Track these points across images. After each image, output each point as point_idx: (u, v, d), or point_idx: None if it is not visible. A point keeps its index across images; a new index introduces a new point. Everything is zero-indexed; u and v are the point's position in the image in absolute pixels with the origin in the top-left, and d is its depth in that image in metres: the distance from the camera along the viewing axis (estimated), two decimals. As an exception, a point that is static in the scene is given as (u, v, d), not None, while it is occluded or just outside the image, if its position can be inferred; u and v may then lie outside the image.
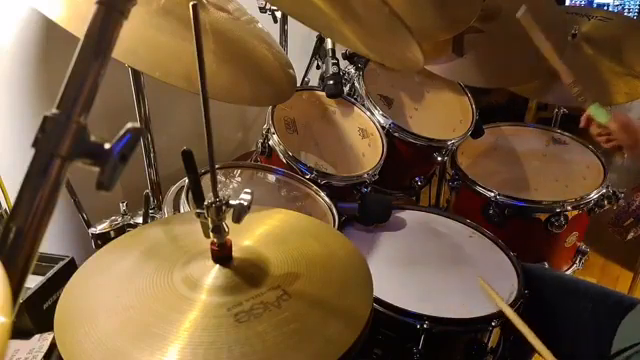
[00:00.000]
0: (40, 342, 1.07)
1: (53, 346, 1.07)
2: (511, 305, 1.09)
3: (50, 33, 1.36)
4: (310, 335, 0.65)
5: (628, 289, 1.77)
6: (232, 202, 0.68)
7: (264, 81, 1.15)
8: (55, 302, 0.79)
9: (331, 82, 1.42)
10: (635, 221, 1.83)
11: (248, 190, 0.69)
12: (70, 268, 1.19)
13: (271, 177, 1.36)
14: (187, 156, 0.66)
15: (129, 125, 0.45)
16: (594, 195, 1.52)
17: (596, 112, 1.29)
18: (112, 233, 1.28)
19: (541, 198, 1.54)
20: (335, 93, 1.43)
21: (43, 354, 1.05)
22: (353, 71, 1.65)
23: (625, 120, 1.22)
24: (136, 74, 1.17)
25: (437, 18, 1.52)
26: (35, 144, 0.41)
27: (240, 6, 1.22)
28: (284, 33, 1.78)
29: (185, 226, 0.85)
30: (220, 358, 0.60)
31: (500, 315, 1.06)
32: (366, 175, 1.41)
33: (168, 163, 1.33)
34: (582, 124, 1.36)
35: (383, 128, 1.54)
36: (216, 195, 0.67)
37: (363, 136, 1.57)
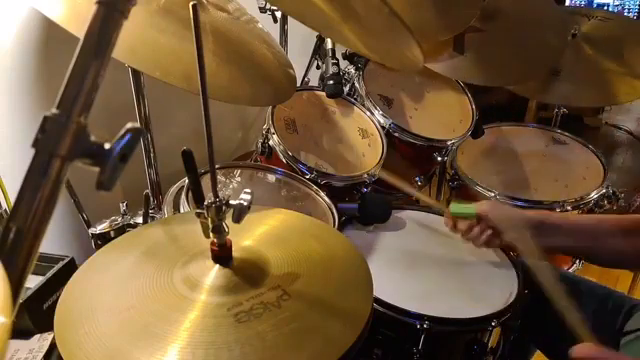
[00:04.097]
0: (40, 342, 1.07)
1: (53, 346, 1.06)
2: (511, 305, 1.09)
3: (50, 33, 1.36)
4: (310, 335, 0.65)
5: (628, 289, 1.77)
6: (232, 202, 0.68)
7: (264, 81, 1.15)
8: (55, 302, 0.79)
9: (331, 82, 1.42)
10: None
11: (248, 190, 0.69)
12: (70, 268, 1.19)
13: (271, 177, 1.36)
14: (187, 156, 0.66)
15: (129, 125, 0.45)
16: (594, 195, 1.52)
17: (458, 209, 1.14)
18: (112, 233, 1.27)
19: (541, 198, 1.54)
20: (335, 93, 1.43)
21: (43, 354, 1.05)
22: (353, 71, 1.65)
23: (489, 202, 1.09)
24: (136, 74, 1.17)
25: (437, 18, 1.52)
26: (35, 144, 0.41)
27: (240, 6, 1.22)
28: (284, 33, 1.78)
29: (185, 226, 0.85)
30: (220, 358, 0.60)
31: (500, 315, 1.06)
32: (366, 175, 1.41)
33: (168, 163, 1.33)
34: (448, 225, 1.20)
35: (383, 128, 1.54)
36: (216, 195, 0.67)
37: (363, 136, 1.57)
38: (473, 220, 1.15)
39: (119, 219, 1.29)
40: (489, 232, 1.13)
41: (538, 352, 1.37)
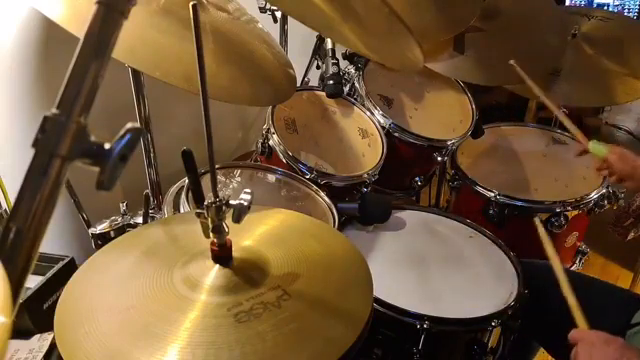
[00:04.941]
0: (40, 342, 1.07)
1: (53, 346, 1.06)
2: (511, 305, 1.09)
3: (50, 33, 1.35)
4: (310, 335, 0.65)
5: (629, 288, 1.77)
6: (232, 202, 0.68)
7: (264, 81, 1.14)
8: (55, 302, 0.79)
9: (331, 82, 1.42)
10: (635, 221, 1.83)
11: (248, 190, 0.69)
12: (70, 268, 1.19)
13: (271, 177, 1.36)
14: (187, 156, 0.66)
15: (129, 125, 0.44)
16: (594, 195, 1.52)
17: (594, 148, 1.33)
18: (112, 233, 1.27)
19: (541, 198, 1.54)
20: (335, 93, 1.43)
21: (43, 354, 1.05)
22: (353, 71, 1.65)
23: (620, 151, 1.27)
24: (136, 74, 1.16)
25: (437, 18, 1.52)
26: (35, 144, 0.41)
27: (240, 6, 1.22)
28: (284, 33, 1.78)
29: (185, 226, 0.85)
30: (220, 358, 0.60)
31: (500, 315, 1.06)
32: (366, 175, 1.41)
33: (168, 163, 1.33)
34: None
35: (383, 128, 1.54)
36: (216, 195, 0.67)
37: (363, 136, 1.57)
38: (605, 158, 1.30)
39: (119, 219, 1.29)
40: (605, 172, 1.32)
41: (540, 352, 1.37)
